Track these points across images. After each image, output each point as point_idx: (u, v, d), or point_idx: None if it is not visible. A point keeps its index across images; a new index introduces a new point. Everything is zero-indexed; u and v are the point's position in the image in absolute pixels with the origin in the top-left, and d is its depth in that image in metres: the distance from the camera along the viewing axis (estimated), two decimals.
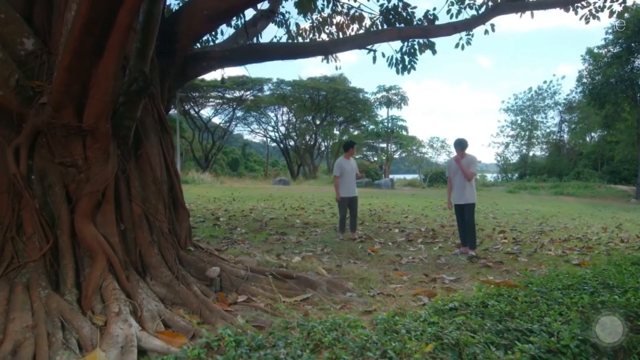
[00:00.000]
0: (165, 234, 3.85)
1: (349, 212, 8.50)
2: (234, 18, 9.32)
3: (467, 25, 6.39)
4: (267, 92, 43.76)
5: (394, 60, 9.53)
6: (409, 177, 44.79)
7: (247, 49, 5.09)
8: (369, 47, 6.08)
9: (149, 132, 3.85)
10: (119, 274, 3.32)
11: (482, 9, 8.50)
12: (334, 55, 10.79)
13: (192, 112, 43.97)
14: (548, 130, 39.67)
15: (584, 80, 26.89)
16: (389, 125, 42.50)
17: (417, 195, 22.16)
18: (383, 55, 9.54)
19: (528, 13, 9.12)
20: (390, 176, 39.91)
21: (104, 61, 2.81)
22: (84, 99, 3.01)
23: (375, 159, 46.51)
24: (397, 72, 9.76)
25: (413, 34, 6.63)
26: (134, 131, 3.71)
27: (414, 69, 9.70)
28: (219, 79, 42.66)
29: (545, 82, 39.95)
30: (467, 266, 6.29)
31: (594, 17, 9.17)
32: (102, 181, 3.31)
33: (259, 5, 7.97)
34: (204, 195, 16.83)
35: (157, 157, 3.89)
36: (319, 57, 10.96)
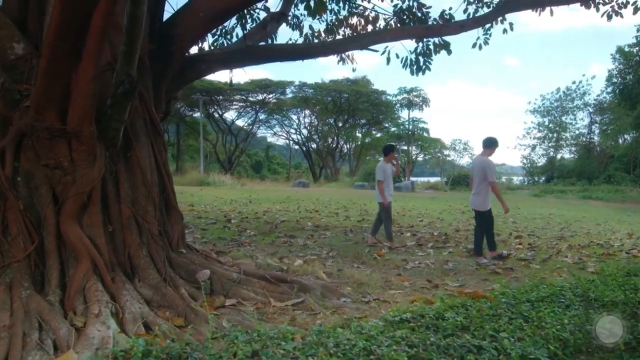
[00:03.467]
0: (154, 235, 3.85)
1: (386, 218, 8.15)
2: (249, 20, 9.41)
3: (476, 24, 6.20)
4: (290, 95, 43.97)
5: (408, 61, 9.40)
6: (433, 179, 44.13)
7: (245, 51, 5.08)
8: (374, 47, 5.95)
9: (140, 135, 3.87)
10: (104, 275, 3.34)
11: None
12: (350, 57, 10.72)
13: (215, 115, 44.61)
14: (577, 132, 38.37)
15: (614, 79, 25.89)
16: (410, 127, 42.01)
17: (437, 199, 21.77)
18: (397, 56, 9.40)
19: (548, 11, 8.86)
20: (413, 179, 39.39)
21: (82, 64, 2.83)
22: (66, 102, 3.03)
23: (405, 160, 46.03)
24: (412, 73, 9.60)
25: (417, 33, 6.48)
26: (124, 133, 3.74)
27: (429, 69, 9.52)
28: (242, 82, 43.20)
29: (574, 82, 38.55)
30: (474, 272, 6.10)
31: (617, 13, 8.78)
32: (88, 183, 3.33)
33: (271, 8, 7.99)
34: (222, 197, 16.97)
35: (148, 159, 3.90)
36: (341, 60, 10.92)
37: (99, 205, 3.46)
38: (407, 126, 42.31)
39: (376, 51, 5.64)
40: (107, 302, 3.16)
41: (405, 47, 13.13)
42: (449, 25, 6.11)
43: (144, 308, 3.37)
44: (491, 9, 8.56)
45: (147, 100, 3.96)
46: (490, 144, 6.96)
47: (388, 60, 9.40)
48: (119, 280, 3.46)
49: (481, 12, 8.69)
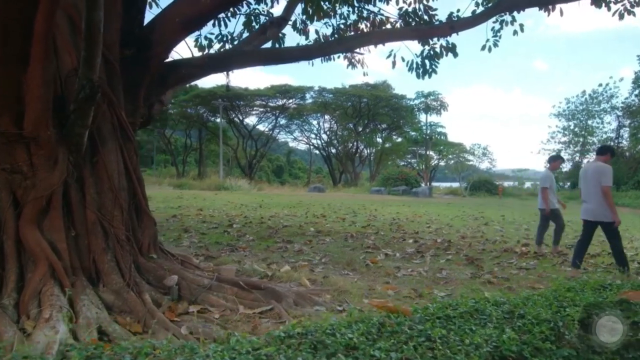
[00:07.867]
0: (121, 240, 3.84)
1: (541, 224, 8.32)
2: (256, 26, 9.43)
3: (466, 24, 6.01)
4: (310, 100, 44.18)
5: (414, 65, 9.25)
6: (455, 185, 43.40)
7: (227, 56, 5.06)
8: (359, 51, 5.85)
9: (107, 139, 3.88)
10: (63, 279, 3.34)
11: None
12: (360, 62, 10.63)
13: (236, 120, 45.15)
14: (605, 136, 36.97)
15: None
16: (428, 132, 41.44)
17: (453, 205, 21.31)
18: (403, 59, 9.26)
19: (558, 11, 8.57)
20: (435, 184, 38.79)
21: (30, 69, 2.84)
22: (21, 107, 3.05)
23: (423, 166, 45.52)
24: (418, 76, 9.45)
25: (405, 35, 6.32)
26: (91, 138, 3.76)
27: (435, 72, 9.36)
28: (262, 87, 43.67)
29: (600, 85, 37.09)
30: (467, 281, 5.88)
31: (629, 12, 8.45)
32: (47, 187, 3.35)
33: (275, 13, 7.97)
34: (233, 202, 17.08)
35: (115, 164, 3.91)
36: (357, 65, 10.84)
37: (60, 210, 3.47)
38: (425, 131, 41.79)
39: (362, 54, 5.54)
40: (60, 306, 3.15)
41: (411, 50, 12.89)
42: (438, 26, 5.96)
43: (101, 313, 3.35)
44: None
45: (116, 105, 3.97)
46: (604, 152, 6.59)
47: (393, 64, 9.29)
48: (80, 285, 3.46)
49: None
